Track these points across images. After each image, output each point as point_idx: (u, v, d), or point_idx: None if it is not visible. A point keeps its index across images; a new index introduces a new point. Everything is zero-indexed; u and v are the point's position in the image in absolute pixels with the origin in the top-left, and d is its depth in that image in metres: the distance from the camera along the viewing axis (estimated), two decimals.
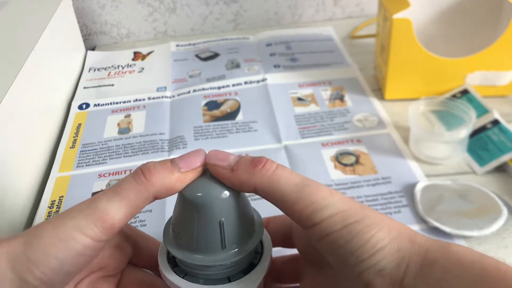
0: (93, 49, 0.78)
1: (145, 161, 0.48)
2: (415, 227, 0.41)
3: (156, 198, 0.26)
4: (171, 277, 0.27)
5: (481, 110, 0.51)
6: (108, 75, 0.67)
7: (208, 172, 0.27)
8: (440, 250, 0.23)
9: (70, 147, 0.54)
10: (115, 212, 0.24)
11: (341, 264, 0.24)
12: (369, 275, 0.23)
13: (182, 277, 0.27)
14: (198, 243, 0.26)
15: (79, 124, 0.57)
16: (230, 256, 0.26)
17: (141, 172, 0.25)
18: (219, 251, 0.26)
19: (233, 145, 0.52)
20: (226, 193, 0.26)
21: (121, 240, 0.30)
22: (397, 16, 0.51)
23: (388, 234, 0.23)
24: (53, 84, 0.59)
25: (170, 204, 0.45)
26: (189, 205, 0.26)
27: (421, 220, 0.42)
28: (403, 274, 0.23)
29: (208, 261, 0.26)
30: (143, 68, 0.69)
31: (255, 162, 0.26)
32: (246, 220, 0.28)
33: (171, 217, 0.29)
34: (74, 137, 0.55)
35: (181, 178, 0.26)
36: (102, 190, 0.47)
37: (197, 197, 0.26)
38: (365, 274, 0.23)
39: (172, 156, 0.51)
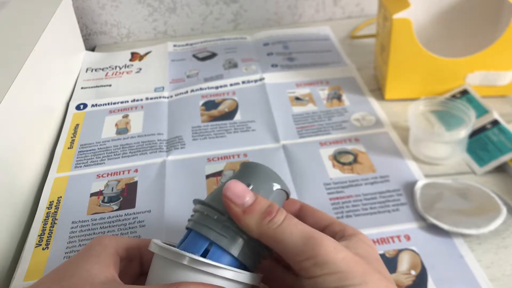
0: (93, 49, 0.78)
1: (143, 162, 0.50)
2: (414, 225, 0.41)
3: None
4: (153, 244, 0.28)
5: (481, 111, 0.51)
6: (106, 75, 0.67)
7: None
8: None
9: (68, 148, 0.53)
10: None
11: None
12: None
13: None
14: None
15: (77, 125, 0.57)
16: None
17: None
18: None
19: (231, 145, 0.52)
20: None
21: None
22: (397, 16, 0.51)
23: None
24: (53, 84, 0.59)
25: (169, 204, 0.45)
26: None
27: (420, 217, 0.42)
28: None
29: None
30: (140, 69, 0.69)
31: (266, 213, 0.27)
32: None
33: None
34: (72, 137, 0.55)
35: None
36: (100, 191, 0.47)
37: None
38: None
39: (170, 157, 0.51)
